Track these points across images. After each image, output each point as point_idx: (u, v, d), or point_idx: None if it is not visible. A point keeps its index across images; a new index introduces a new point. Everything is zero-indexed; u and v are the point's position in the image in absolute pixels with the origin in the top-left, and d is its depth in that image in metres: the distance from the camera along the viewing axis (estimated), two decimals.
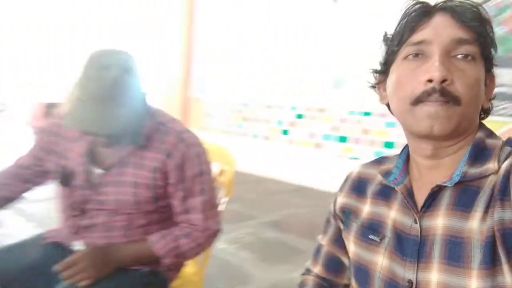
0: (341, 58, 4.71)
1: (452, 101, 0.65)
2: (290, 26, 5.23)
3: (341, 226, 0.86)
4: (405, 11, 0.72)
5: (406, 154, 0.79)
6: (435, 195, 0.69)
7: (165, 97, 6.66)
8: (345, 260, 0.88)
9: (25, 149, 1.38)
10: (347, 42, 4.68)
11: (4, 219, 3.33)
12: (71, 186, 1.22)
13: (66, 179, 1.23)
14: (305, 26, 5.08)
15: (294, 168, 5.14)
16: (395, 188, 0.75)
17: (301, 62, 5.15)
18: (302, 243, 3.16)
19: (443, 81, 0.65)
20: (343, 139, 4.76)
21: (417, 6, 0.71)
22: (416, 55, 0.69)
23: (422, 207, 0.70)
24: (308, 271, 0.96)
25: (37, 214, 3.58)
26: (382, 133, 4.42)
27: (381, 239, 0.75)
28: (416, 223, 0.70)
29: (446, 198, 0.68)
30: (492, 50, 0.71)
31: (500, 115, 3.56)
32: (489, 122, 0.75)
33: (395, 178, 0.76)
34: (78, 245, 1.24)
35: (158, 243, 1.19)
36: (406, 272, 0.69)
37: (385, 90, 0.78)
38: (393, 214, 0.75)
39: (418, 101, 0.67)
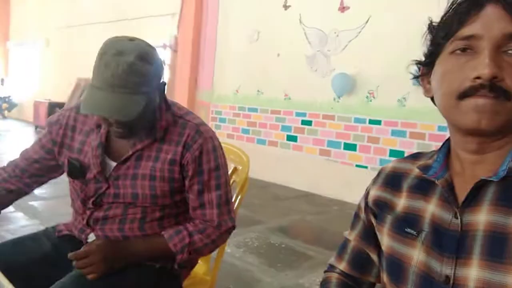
0: (352, 67, 4.70)
1: (502, 96, 0.63)
2: (299, 35, 5.24)
3: (373, 220, 0.84)
4: (453, 0, 0.68)
5: (446, 148, 0.76)
6: (478, 190, 0.67)
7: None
8: (373, 257, 0.85)
9: (31, 143, 1.34)
10: (358, 53, 4.67)
11: (10, 215, 3.33)
12: (85, 179, 1.20)
13: (80, 171, 1.20)
14: (311, 33, 5.08)
15: (302, 174, 5.12)
16: (436, 181, 0.72)
17: (309, 69, 5.14)
18: (309, 249, 3.15)
19: (493, 77, 0.62)
20: (351, 146, 4.74)
21: None
22: (464, 49, 0.66)
23: (464, 201, 0.68)
24: (331, 268, 0.93)
25: (42, 211, 3.57)
26: (389, 142, 4.42)
27: (418, 233, 0.72)
28: (457, 218, 0.68)
29: (490, 194, 0.66)
30: None
31: None
32: None
33: (435, 172, 0.73)
34: (91, 238, 1.22)
35: (173, 239, 1.17)
36: (443, 268, 0.67)
37: (429, 83, 0.75)
38: (431, 208, 0.73)
39: (464, 95, 0.65)
